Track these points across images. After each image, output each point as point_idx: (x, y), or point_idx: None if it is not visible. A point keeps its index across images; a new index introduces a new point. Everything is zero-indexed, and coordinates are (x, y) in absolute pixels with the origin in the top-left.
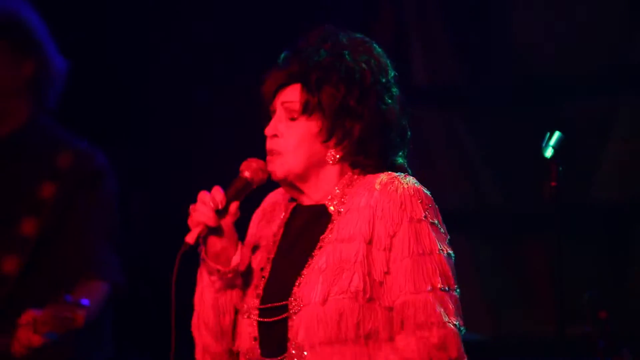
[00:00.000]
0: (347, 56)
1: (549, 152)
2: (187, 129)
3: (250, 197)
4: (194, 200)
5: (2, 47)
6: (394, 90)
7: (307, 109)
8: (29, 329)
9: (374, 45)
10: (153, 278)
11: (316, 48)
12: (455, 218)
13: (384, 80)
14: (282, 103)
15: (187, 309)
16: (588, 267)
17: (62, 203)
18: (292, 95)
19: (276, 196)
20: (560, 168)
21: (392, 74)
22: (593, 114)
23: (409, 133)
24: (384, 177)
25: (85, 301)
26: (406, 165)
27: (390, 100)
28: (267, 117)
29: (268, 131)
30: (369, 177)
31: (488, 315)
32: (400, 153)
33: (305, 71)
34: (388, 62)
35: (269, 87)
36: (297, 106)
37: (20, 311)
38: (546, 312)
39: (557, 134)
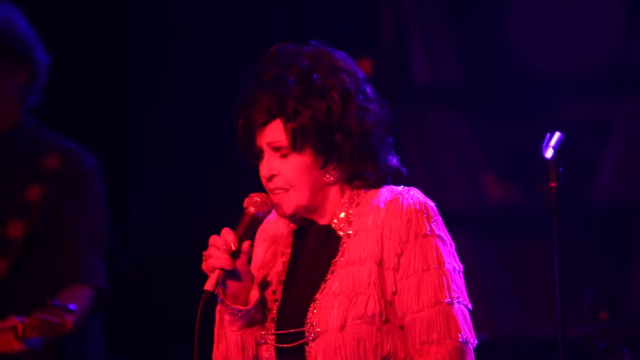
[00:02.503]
0: (314, 77)
1: (549, 153)
2: (187, 130)
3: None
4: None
5: (0, 62)
6: (368, 89)
7: (295, 144)
8: (10, 334)
9: (333, 53)
10: (153, 281)
11: (282, 77)
12: (456, 218)
13: (355, 85)
14: (269, 144)
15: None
16: (588, 267)
17: (49, 205)
18: (276, 133)
19: (275, 214)
20: (560, 168)
21: (360, 75)
22: (593, 114)
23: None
24: (388, 194)
25: (72, 306)
26: (399, 164)
27: (368, 103)
28: (252, 154)
29: (264, 173)
30: (372, 193)
31: (488, 315)
32: (392, 150)
33: (280, 105)
34: (352, 64)
35: (248, 131)
36: (284, 143)
37: (6, 314)
38: (546, 312)
39: (557, 135)
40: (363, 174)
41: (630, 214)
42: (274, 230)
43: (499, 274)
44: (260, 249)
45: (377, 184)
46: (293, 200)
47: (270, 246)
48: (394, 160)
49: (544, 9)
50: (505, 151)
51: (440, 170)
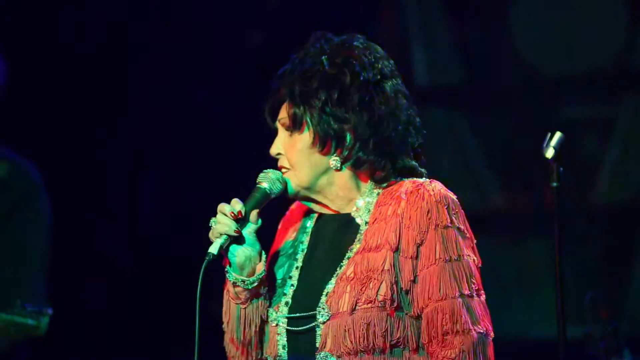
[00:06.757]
0: (324, 61)
1: (549, 153)
2: (188, 127)
3: (276, 207)
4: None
5: None
6: (386, 82)
7: (295, 123)
8: None
9: (357, 43)
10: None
11: (301, 60)
12: None
13: (367, 75)
14: (279, 120)
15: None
16: (588, 267)
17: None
18: (284, 112)
19: (301, 204)
20: (561, 168)
21: (381, 67)
22: (593, 114)
23: (418, 120)
24: (409, 185)
25: (50, 309)
26: (417, 164)
27: (378, 94)
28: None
29: (271, 151)
30: (394, 185)
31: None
32: (408, 143)
33: (291, 86)
34: (377, 55)
35: (268, 109)
36: (288, 122)
37: None
38: (547, 313)
39: (557, 135)
40: (365, 162)
41: (630, 214)
42: (297, 218)
43: (500, 273)
44: (283, 235)
45: (393, 178)
46: (293, 179)
47: (292, 233)
48: (409, 160)
49: (545, 9)
50: (506, 151)
51: (440, 170)
